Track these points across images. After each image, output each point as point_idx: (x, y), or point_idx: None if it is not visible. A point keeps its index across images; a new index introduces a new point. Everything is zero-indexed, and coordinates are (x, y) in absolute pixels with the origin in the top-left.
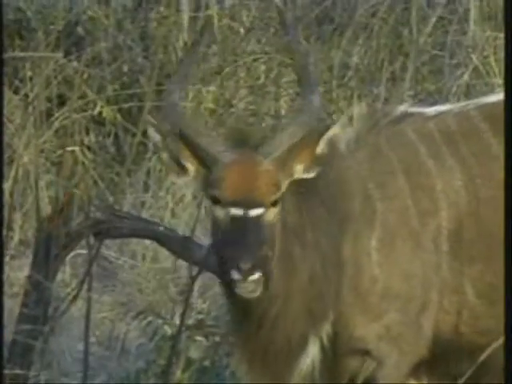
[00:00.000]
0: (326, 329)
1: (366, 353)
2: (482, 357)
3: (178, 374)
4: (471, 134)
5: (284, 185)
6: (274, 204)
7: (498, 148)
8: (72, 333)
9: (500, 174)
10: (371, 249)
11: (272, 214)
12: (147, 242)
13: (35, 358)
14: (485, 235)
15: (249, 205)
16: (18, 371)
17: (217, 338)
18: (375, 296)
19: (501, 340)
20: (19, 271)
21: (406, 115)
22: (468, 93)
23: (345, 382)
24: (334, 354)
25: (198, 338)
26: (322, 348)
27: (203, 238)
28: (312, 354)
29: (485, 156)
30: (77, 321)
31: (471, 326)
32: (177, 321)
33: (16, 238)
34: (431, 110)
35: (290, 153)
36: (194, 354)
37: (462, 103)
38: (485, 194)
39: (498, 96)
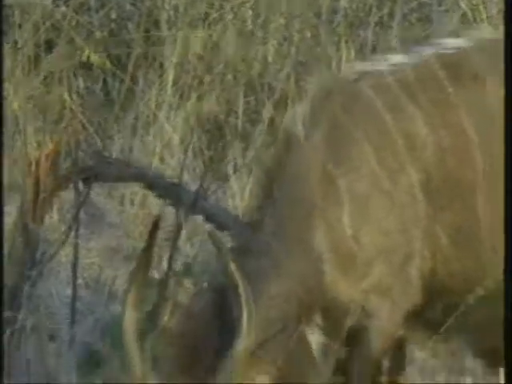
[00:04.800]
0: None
1: (357, 308)
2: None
3: (165, 319)
4: (430, 83)
5: None
6: None
7: (456, 96)
8: (60, 277)
9: (459, 122)
10: (345, 226)
11: None
12: (135, 187)
13: (23, 302)
14: (452, 183)
15: None
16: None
17: (204, 284)
18: (358, 259)
19: (480, 291)
20: (7, 216)
21: (362, 74)
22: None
23: (341, 340)
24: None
25: (186, 283)
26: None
27: (190, 184)
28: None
29: (444, 104)
30: (64, 265)
31: (443, 269)
32: (164, 266)
33: (4, 182)
34: (388, 64)
35: None
36: (182, 299)
37: (422, 52)
38: (448, 143)
39: (457, 41)
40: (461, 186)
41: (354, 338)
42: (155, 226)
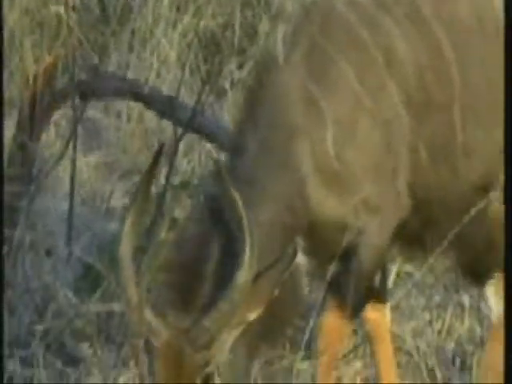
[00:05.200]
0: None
1: (345, 226)
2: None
3: (162, 234)
4: None
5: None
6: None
7: (428, 9)
8: (57, 193)
9: (436, 37)
10: (328, 146)
11: None
12: (132, 102)
13: (20, 218)
14: (430, 98)
15: None
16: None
17: (201, 198)
18: (344, 177)
19: (473, 211)
20: (5, 131)
21: None
22: None
23: (328, 257)
24: (314, 244)
25: (183, 198)
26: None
27: (187, 99)
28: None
29: (418, 18)
30: (61, 181)
31: (421, 183)
32: (161, 181)
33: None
34: None
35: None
36: (179, 214)
37: None
38: (425, 59)
39: None
40: (439, 100)
41: (346, 256)
42: (158, 153)
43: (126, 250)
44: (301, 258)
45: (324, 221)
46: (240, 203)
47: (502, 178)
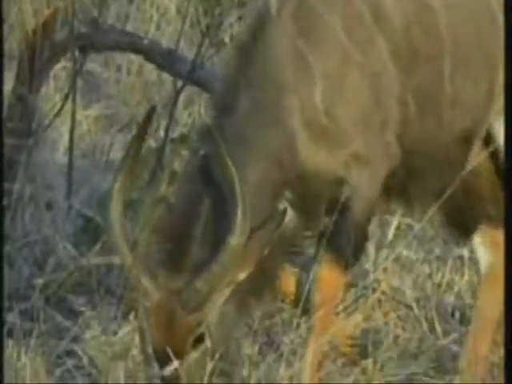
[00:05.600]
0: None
1: (336, 179)
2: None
3: (162, 187)
4: None
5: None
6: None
7: None
8: (56, 146)
9: None
10: (317, 102)
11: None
12: (132, 55)
13: (20, 171)
14: (418, 51)
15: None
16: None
17: (201, 152)
18: (333, 132)
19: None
20: (4, 85)
21: None
22: None
23: (318, 211)
24: (304, 198)
25: (183, 151)
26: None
27: (187, 52)
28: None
29: None
30: (61, 134)
31: (409, 134)
32: (161, 134)
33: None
34: None
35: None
36: (178, 167)
37: None
38: (413, 13)
39: None
40: (427, 53)
41: (338, 209)
42: (150, 115)
43: (116, 208)
44: (289, 214)
45: (314, 174)
46: (232, 169)
47: (483, 130)
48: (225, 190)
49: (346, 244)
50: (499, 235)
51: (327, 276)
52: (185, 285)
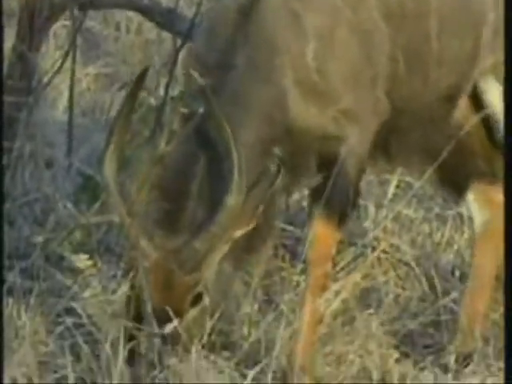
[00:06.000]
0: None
1: (326, 136)
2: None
3: (161, 145)
4: None
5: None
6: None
7: None
8: (56, 104)
9: None
10: (309, 60)
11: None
12: (131, 13)
13: (19, 129)
14: (408, 10)
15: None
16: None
17: (200, 110)
18: (324, 89)
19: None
20: (5, 41)
21: None
22: None
23: (312, 166)
24: (294, 154)
25: (182, 110)
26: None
27: (187, 10)
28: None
29: None
30: (61, 92)
31: (397, 91)
32: (161, 92)
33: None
34: None
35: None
36: (177, 126)
37: None
38: None
39: None
40: (415, 11)
41: (329, 165)
42: (142, 75)
43: (110, 167)
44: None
45: (305, 130)
46: (228, 129)
47: (468, 86)
48: (220, 150)
49: (338, 201)
50: (492, 192)
51: (320, 233)
52: (182, 245)
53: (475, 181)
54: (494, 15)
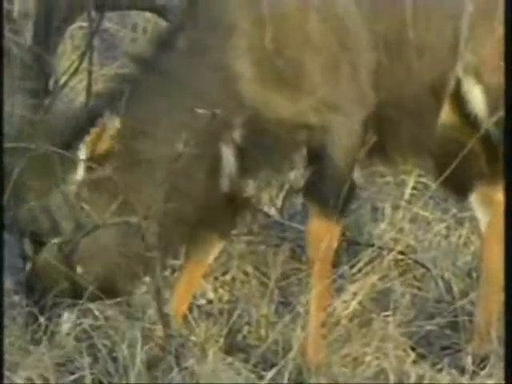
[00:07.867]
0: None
1: (308, 125)
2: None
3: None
4: None
5: None
6: None
7: None
8: (73, 106)
9: None
10: (266, 42)
11: None
12: (148, 14)
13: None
14: None
15: None
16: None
17: None
18: (290, 74)
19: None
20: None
21: None
22: None
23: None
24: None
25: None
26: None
27: None
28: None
29: None
30: (78, 93)
31: (382, 82)
32: None
33: (16, 9)
34: None
35: None
36: None
37: None
38: None
39: None
40: None
41: (317, 159)
42: None
43: None
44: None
45: (273, 118)
46: None
47: (451, 83)
48: None
49: (329, 194)
50: (495, 193)
51: (316, 229)
52: None
53: (478, 182)
54: (473, 7)
